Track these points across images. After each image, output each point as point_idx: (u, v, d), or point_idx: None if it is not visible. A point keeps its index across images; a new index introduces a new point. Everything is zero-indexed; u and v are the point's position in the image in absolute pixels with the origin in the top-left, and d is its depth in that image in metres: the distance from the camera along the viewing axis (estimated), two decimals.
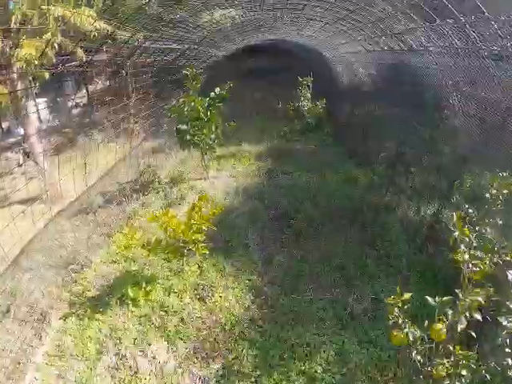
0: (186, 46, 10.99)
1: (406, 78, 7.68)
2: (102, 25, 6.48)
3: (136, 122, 9.92)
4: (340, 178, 8.79)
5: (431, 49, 6.05)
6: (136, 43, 8.59)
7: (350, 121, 11.06)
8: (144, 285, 4.99)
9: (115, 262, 6.00)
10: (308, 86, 10.61)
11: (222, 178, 9.23)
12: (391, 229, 6.21)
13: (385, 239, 5.98)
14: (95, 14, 6.40)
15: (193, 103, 7.57)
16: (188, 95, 7.99)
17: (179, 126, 7.79)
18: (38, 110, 12.16)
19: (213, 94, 8.06)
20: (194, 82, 7.81)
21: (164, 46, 10.43)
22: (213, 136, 8.39)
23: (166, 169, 9.95)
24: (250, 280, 5.38)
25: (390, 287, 4.86)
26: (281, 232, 6.68)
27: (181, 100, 7.88)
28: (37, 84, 8.91)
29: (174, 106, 8.02)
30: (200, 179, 9.19)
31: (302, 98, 10.53)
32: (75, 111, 16.44)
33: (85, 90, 16.46)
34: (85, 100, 16.53)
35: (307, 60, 17.85)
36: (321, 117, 10.49)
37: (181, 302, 4.98)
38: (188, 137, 7.69)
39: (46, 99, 14.72)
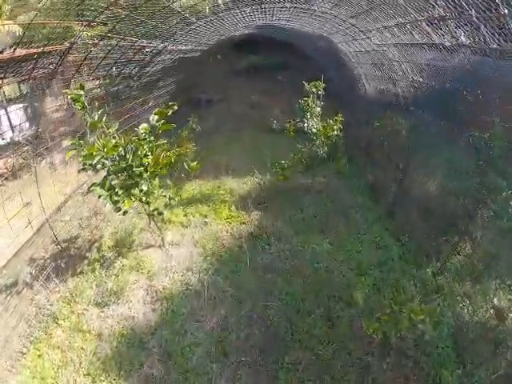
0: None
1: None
2: None
3: None
4: (371, 257, 5.64)
5: None
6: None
7: (380, 152, 7.72)
8: None
9: None
10: (318, 94, 7.03)
11: (184, 245, 6.06)
12: None
13: None
14: None
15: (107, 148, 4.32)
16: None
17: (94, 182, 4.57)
18: (9, 118, 10.81)
19: (142, 127, 4.84)
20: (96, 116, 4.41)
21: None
22: (158, 192, 5.25)
23: (114, 221, 6.85)
24: None
25: None
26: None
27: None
28: None
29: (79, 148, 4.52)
30: (153, 246, 6.09)
31: (309, 114, 6.95)
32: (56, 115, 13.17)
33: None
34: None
35: (314, 57, 14.26)
36: (336, 143, 7.13)
37: None
38: (115, 197, 4.46)
39: (21, 105, 11.82)
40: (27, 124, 11.47)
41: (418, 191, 6.32)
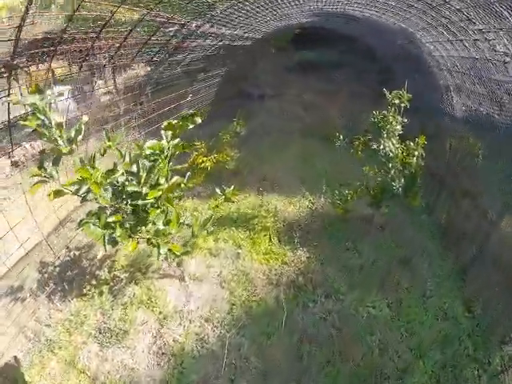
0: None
1: None
2: None
3: None
4: (435, 332, 4.26)
5: None
6: None
7: (462, 186, 5.93)
8: None
9: None
10: (400, 107, 5.37)
11: (208, 282, 4.91)
12: None
13: None
14: None
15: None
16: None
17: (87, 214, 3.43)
18: (55, 100, 9.78)
19: (149, 145, 3.54)
20: None
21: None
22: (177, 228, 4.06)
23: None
24: None
25: None
26: None
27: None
28: None
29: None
30: (172, 276, 5.03)
31: (386, 132, 5.32)
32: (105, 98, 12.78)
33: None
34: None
35: (380, 56, 12.26)
36: (415, 174, 5.43)
37: None
38: (118, 232, 3.34)
39: (69, 87, 11.61)
40: (73, 106, 11.11)
41: (508, 251, 4.64)
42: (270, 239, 5.59)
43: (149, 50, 6.93)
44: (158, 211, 3.35)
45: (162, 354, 4.16)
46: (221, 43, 9.26)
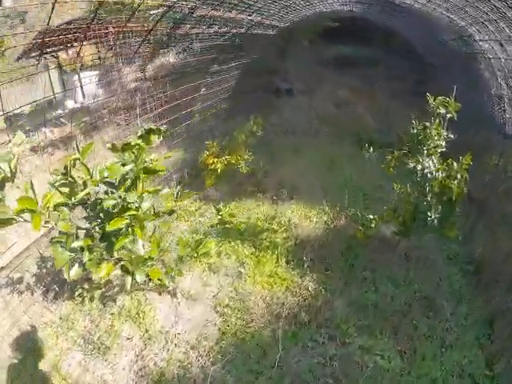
0: None
1: None
2: None
3: None
4: None
5: None
6: None
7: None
8: None
9: None
10: (444, 118, 4.40)
11: (202, 303, 4.48)
12: None
13: None
14: None
15: None
16: None
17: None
18: (81, 85, 10.75)
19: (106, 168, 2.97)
20: None
21: None
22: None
23: None
24: None
25: None
26: None
27: None
28: None
29: None
30: (164, 291, 4.66)
31: (426, 148, 4.39)
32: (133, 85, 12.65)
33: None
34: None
35: (422, 55, 10.90)
36: (455, 200, 4.50)
37: None
38: (86, 257, 2.92)
39: (97, 72, 11.62)
40: (101, 91, 11.04)
41: None
42: (278, 259, 5.04)
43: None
44: (128, 239, 2.91)
45: (142, 376, 3.87)
46: (234, 31, 8.47)
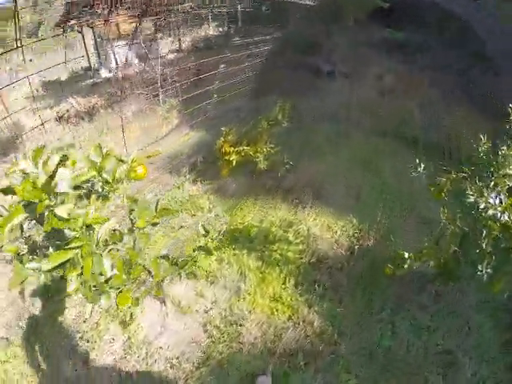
0: None
1: None
2: None
3: None
4: None
5: None
6: None
7: None
8: None
9: None
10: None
11: (190, 319, 4.02)
12: None
13: None
14: None
15: None
16: None
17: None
18: (114, 53, 10.37)
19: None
20: None
21: None
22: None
23: None
24: None
25: None
26: None
27: None
28: None
29: None
30: (156, 297, 4.27)
31: (494, 177, 3.29)
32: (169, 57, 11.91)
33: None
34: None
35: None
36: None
37: None
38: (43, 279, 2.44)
39: (132, 42, 11.15)
40: (136, 60, 10.48)
41: None
42: (285, 280, 4.36)
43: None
44: (77, 272, 2.35)
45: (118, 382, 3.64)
46: None
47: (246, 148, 5.25)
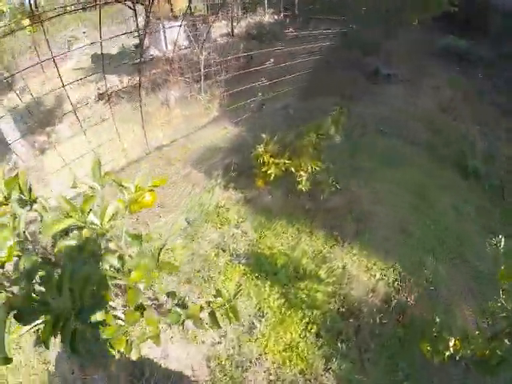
0: None
1: None
2: None
3: None
4: None
5: None
6: None
7: None
8: None
9: None
10: None
11: (196, 346, 3.66)
12: None
13: None
14: None
15: None
16: None
17: None
18: (164, 33, 10.04)
19: None
20: None
21: None
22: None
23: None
24: None
25: None
26: None
27: None
28: None
29: None
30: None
31: None
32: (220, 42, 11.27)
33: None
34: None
35: None
36: None
37: None
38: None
39: (185, 23, 10.71)
40: (186, 42, 9.96)
41: None
42: (307, 327, 3.83)
43: None
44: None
45: None
46: None
47: (287, 162, 4.61)
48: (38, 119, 6.79)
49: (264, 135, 4.66)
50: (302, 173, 4.63)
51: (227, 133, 6.68)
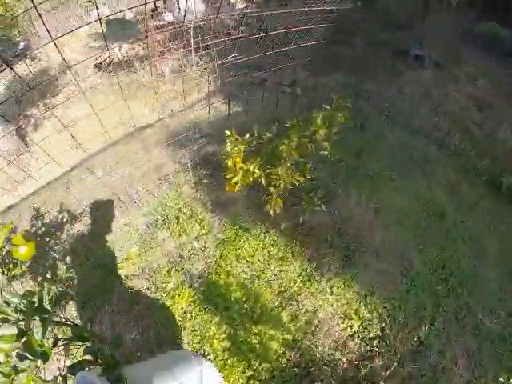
0: None
1: None
2: None
3: None
4: None
5: None
6: None
7: None
8: None
9: None
10: None
11: None
12: None
13: None
14: None
15: None
16: None
17: None
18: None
19: None
20: None
21: None
22: None
23: None
24: None
25: None
26: None
27: None
28: None
29: None
30: None
31: None
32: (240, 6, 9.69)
33: None
34: None
35: None
36: None
37: None
38: None
39: None
40: (202, 7, 8.49)
41: None
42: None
43: None
44: None
45: None
46: None
47: (256, 172, 3.61)
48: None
49: (228, 131, 3.61)
50: (272, 189, 3.63)
51: (214, 114, 5.67)
